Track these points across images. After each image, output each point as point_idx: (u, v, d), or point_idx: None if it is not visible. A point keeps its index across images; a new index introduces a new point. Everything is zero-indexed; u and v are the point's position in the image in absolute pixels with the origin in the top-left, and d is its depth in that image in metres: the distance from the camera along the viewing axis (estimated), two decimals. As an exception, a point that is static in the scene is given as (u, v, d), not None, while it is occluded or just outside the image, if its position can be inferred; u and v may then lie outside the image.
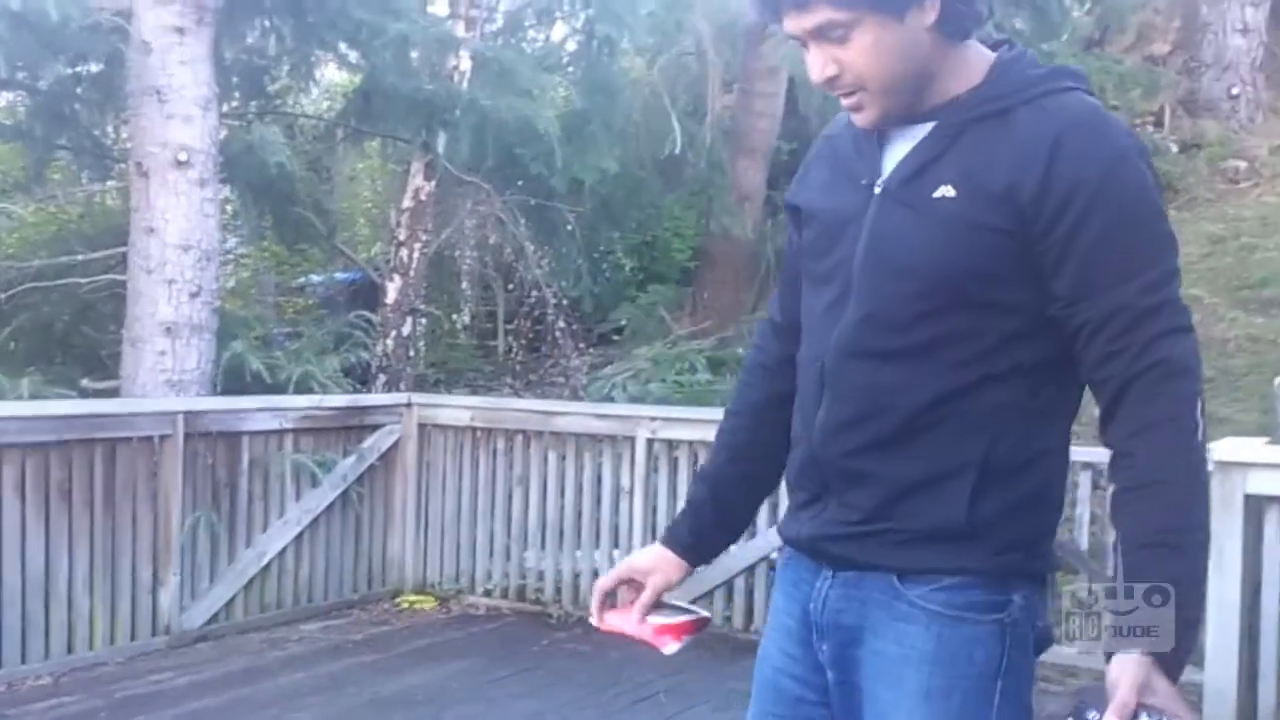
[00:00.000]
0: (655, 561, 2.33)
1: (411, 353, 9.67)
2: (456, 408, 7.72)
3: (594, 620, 2.34)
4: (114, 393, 7.38)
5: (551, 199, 10.21)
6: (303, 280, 12.81)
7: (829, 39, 1.96)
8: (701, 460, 6.73)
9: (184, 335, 7.15)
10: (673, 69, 12.40)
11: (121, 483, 6.11)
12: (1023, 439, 1.97)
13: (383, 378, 9.25)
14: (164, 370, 7.10)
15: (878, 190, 2.02)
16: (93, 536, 5.99)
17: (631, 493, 6.94)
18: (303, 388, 7.69)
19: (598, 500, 7.09)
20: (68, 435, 5.90)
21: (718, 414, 7.26)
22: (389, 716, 5.47)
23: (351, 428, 7.34)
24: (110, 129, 9.69)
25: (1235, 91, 13.40)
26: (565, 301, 10.55)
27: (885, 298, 1.99)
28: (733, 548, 5.12)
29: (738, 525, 2.41)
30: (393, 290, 9.49)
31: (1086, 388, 2.00)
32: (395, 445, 7.50)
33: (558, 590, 7.19)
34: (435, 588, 7.51)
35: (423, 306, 10.11)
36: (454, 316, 12.92)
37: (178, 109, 7.14)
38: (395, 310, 9.44)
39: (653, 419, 7.01)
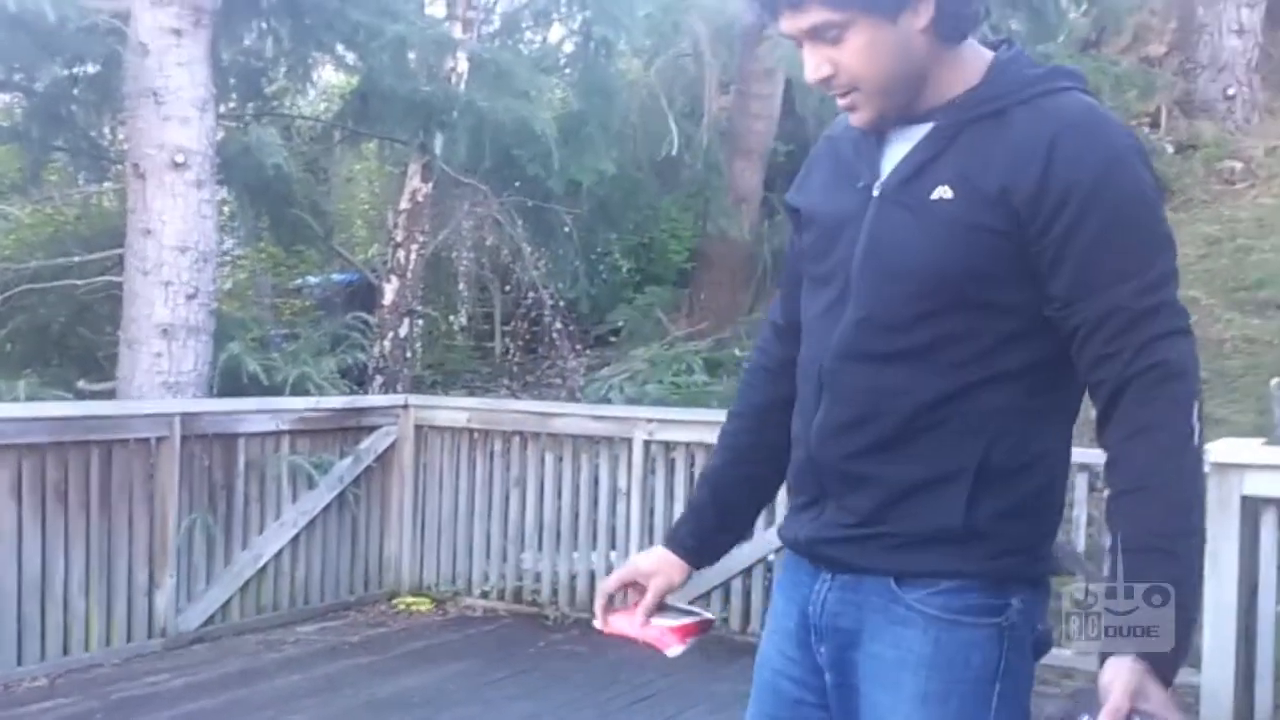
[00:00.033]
0: (658, 564, 2.33)
1: (408, 354, 9.67)
2: (453, 409, 7.72)
3: (598, 623, 2.33)
4: (110, 394, 7.37)
5: (549, 200, 10.20)
6: (300, 282, 12.81)
7: (823, 39, 1.96)
8: (698, 461, 6.75)
9: (180, 337, 7.15)
10: (670, 71, 12.41)
11: (118, 484, 6.10)
12: (1021, 441, 1.97)
13: (380, 379, 9.25)
14: (160, 372, 7.09)
15: (876, 192, 2.02)
16: (89, 538, 5.98)
17: (628, 494, 6.94)
18: (299, 389, 7.68)
19: (595, 502, 7.09)
20: (64, 437, 5.90)
21: (715, 415, 7.28)
22: (385, 718, 5.47)
23: (348, 429, 7.33)
24: (107, 130, 9.68)
25: (1231, 92, 13.41)
26: (562, 303, 10.56)
27: (883, 299, 1.99)
28: (729, 549, 5.11)
29: (740, 527, 2.40)
30: (390, 292, 9.49)
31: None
32: (392, 447, 7.50)
33: (555, 592, 7.19)
34: (432, 589, 7.51)
35: (420, 308, 10.11)
36: (451, 318, 12.92)
37: (175, 110, 7.14)
38: (392, 312, 9.44)
39: (650, 420, 7.01)
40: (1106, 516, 1.90)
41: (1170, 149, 12.55)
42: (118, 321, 7.46)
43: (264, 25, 8.75)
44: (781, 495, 2.28)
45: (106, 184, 10.05)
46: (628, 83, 11.56)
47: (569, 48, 11.79)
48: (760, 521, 6.07)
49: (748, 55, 11.85)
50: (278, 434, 6.88)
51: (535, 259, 10.41)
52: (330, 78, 12.35)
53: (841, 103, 2.02)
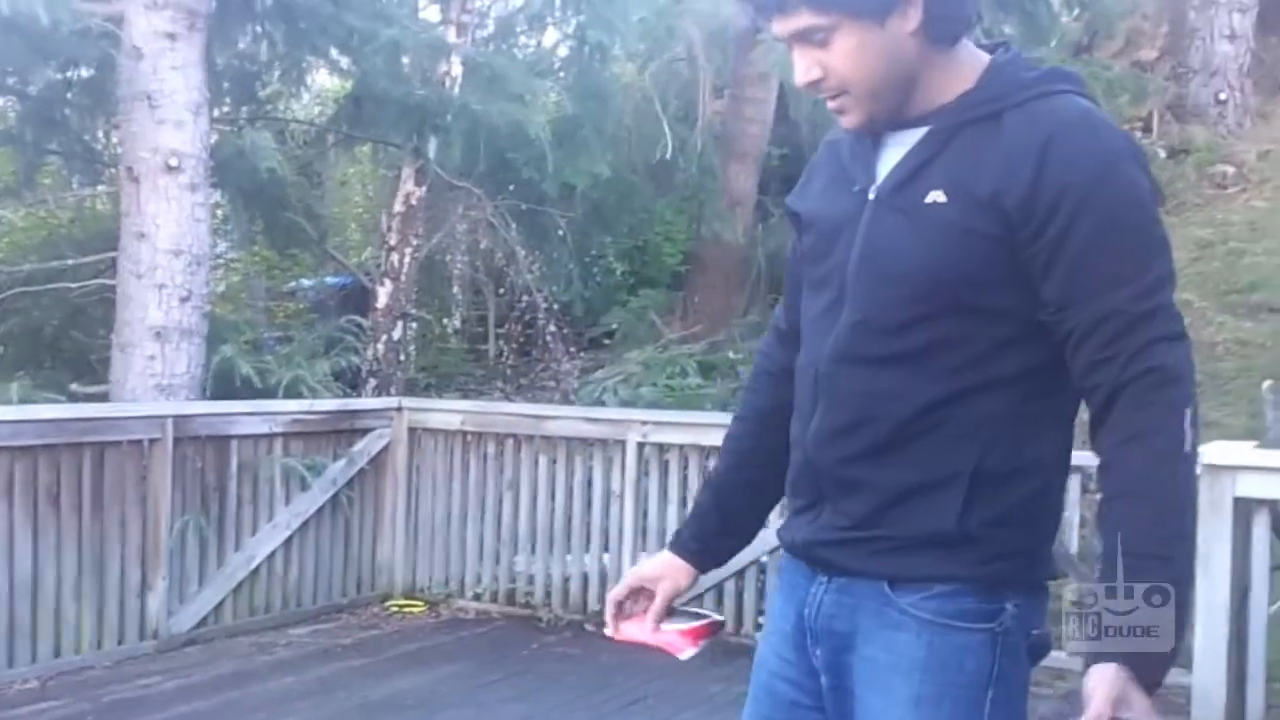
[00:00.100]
0: (663, 568, 2.34)
1: (402, 357, 9.67)
2: (447, 412, 7.72)
3: (609, 631, 2.33)
4: (103, 397, 7.36)
5: (543, 204, 10.21)
6: (293, 285, 12.81)
7: (811, 42, 1.96)
8: (692, 464, 6.76)
9: (174, 340, 7.15)
10: (664, 75, 12.39)
11: (110, 486, 6.10)
12: (1016, 447, 1.96)
13: (373, 382, 9.26)
14: (153, 375, 7.09)
15: (871, 196, 2.02)
16: (81, 540, 5.98)
17: (622, 496, 6.94)
18: (293, 392, 7.68)
19: (588, 504, 7.09)
20: (56, 439, 5.89)
21: (708, 418, 7.29)
22: (378, 720, 5.48)
23: (341, 432, 7.33)
24: (101, 134, 9.69)
25: (1223, 97, 13.43)
26: (556, 306, 10.58)
27: (878, 303, 1.99)
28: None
29: (744, 531, 2.39)
30: (383, 295, 9.50)
31: None
32: (385, 449, 7.49)
33: (548, 594, 7.18)
34: (425, 592, 7.50)
35: (413, 311, 10.12)
36: (445, 321, 12.93)
37: (169, 114, 7.14)
38: (386, 315, 9.44)
39: (643, 423, 7.01)
40: (1098, 521, 1.90)
41: (1162, 153, 12.57)
42: (111, 324, 7.46)
43: (258, 29, 8.76)
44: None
45: (100, 187, 10.06)
46: (622, 87, 11.56)
47: (563, 52, 11.78)
48: (754, 523, 6.10)
49: (741, 59, 11.86)
50: (270, 436, 6.87)
51: (529, 262, 10.42)
52: (324, 81, 12.36)
53: (831, 105, 2.03)
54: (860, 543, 2.02)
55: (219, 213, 9.88)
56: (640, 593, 2.32)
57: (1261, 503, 4.91)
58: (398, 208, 9.61)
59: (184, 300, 7.17)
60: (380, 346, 9.37)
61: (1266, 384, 7.04)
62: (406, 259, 9.57)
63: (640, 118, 11.62)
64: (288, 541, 6.96)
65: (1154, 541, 1.83)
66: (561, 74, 11.47)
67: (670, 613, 2.31)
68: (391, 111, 9.02)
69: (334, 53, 9.22)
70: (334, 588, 7.29)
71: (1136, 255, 1.88)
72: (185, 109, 7.18)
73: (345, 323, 9.19)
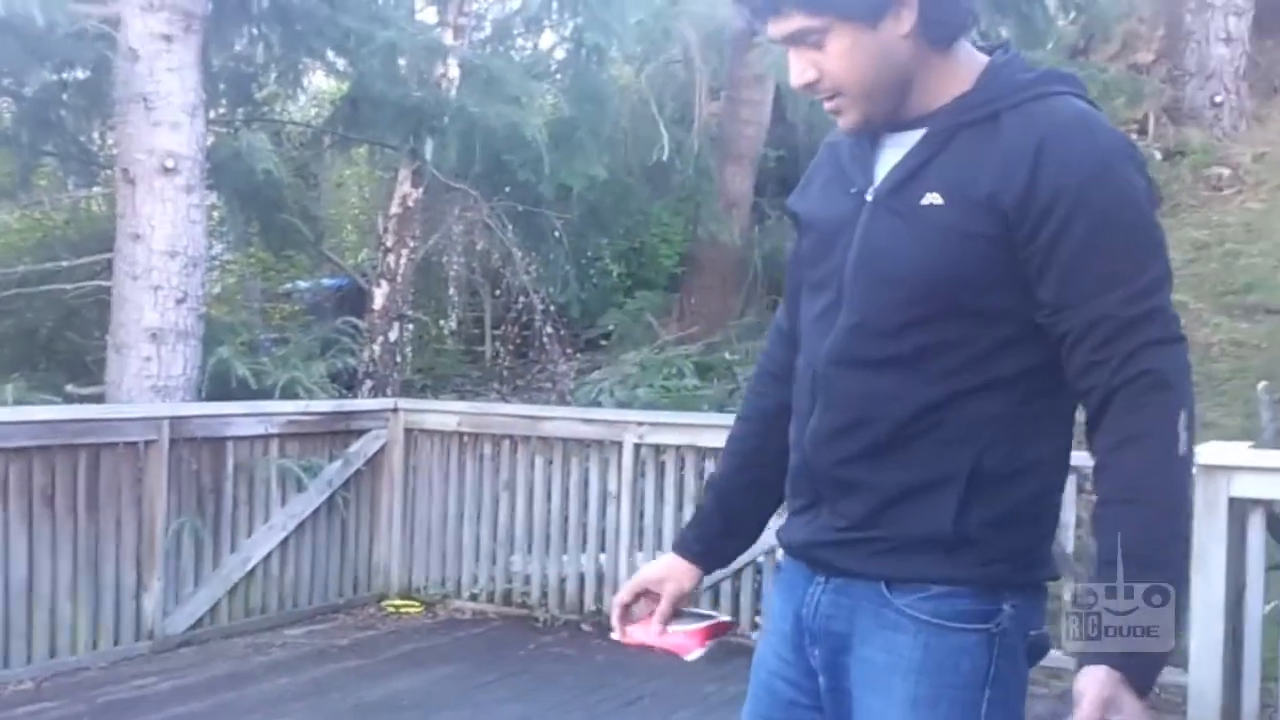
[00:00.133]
0: (668, 570, 2.33)
1: (398, 358, 9.67)
2: (443, 413, 7.72)
3: (616, 635, 2.33)
4: (99, 398, 7.37)
5: (539, 205, 10.22)
6: (289, 286, 12.81)
7: (806, 44, 1.97)
8: (689, 465, 6.76)
9: (169, 341, 7.14)
10: (660, 77, 12.42)
11: (106, 488, 6.09)
12: (1013, 448, 1.96)
13: (369, 383, 9.26)
14: (149, 376, 7.09)
15: (869, 198, 2.02)
16: (76, 541, 5.97)
17: (619, 497, 6.95)
18: (289, 393, 7.67)
19: (585, 505, 7.09)
20: (52, 440, 5.88)
21: (705, 419, 7.29)
22: (374, 721, 5.48)
23: (338, 433, 7.32)
24: (96, 135, 9.68)
25: (1219, 99, 13.44)
26: (553, 307, 10.58)
27: (875, 306, 1.99)
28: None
29: (747, 532, 2.38)
30: (380, 296, 9.50)
31: None
32: (382, 450, 7.49)
33: (544, 594, 7.18)
34: (421, 592, 7.50)
35: (410, 312, 10.12)
36: (441, 322, 12.94)
37: (165, 116, 7.13)
38: (382, 316, 9.44)
39: (640, 424, 7.01)
40: (1092, 524, 1.89)
41: (1158, 155, 12.57)
42: (106, 326, 7.45)
43: (254, 31, 8.76)
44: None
45: (96, 189, 10.07)
46: (618, 89, 11.58)
47: (560, 54, 11.81)
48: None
49: (738, 61, 11.86)
50: (266, 437, 6.87)
51: (525, 264, 10.42)
52: (320, 83, 12.35)
53: (827, 106, 2.03)
54: (857, 544, 2.02)
55: (215, 214, 9.88)
56: (645, 595, 2.32)
57: (1257, 503, 4.91)
58: (394, 209, 9.62)
59: (180, 302, 7.17)
60: (376, 348, 9.37)
61: (1261, 385, 7.07)
62: (403, 260, 9.57)
63: (636, 119, 11.64)
64: (284, 543, 6.96)
65: (1147, 545, 1.83)
66: (558, 76, 11.49)
67: (676, 615, 2.31)
68: (388, 113, 9.02)
69: (330, 54, 9.22)
70: (330, 589, 7.29)
71: (1132, 256, 1.88)
72: (181, 110, 7.17)
73: (341, 324, 9.19)
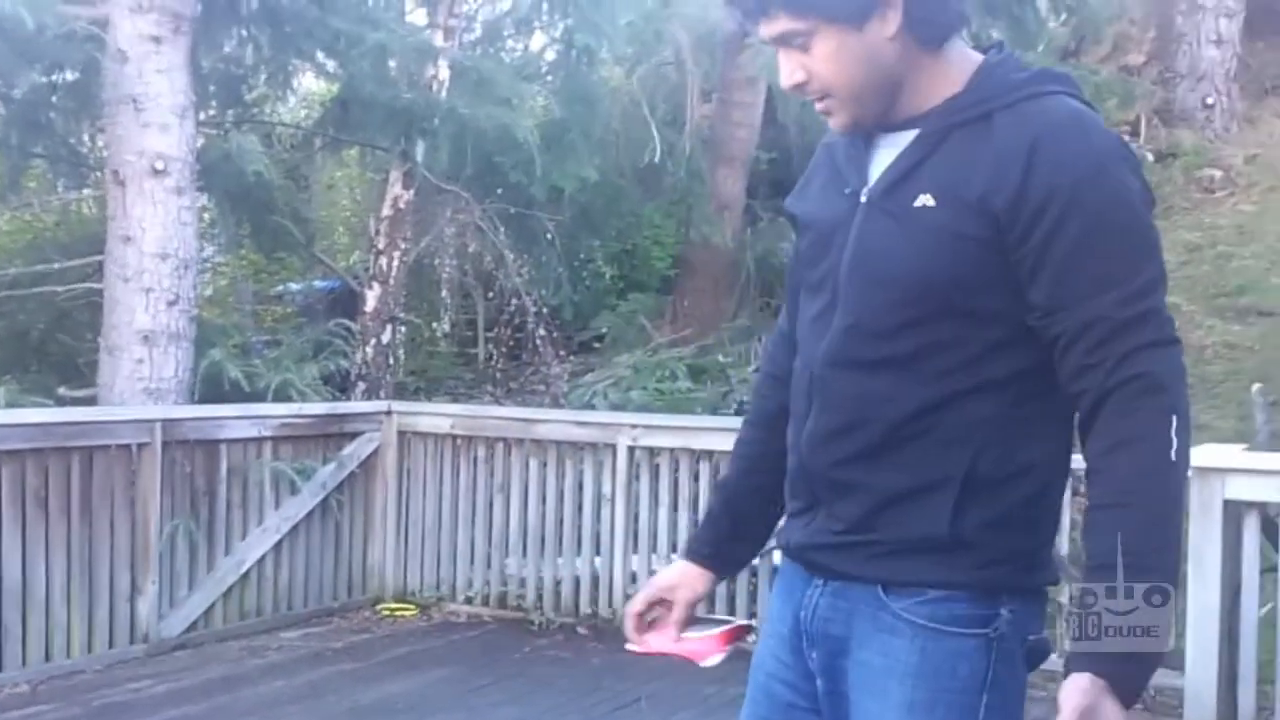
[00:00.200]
0: (679, 576, 2.33)
1: (391, 361, 9.66)
2: (436, 415, 7.71)
3: (633, 645, 2.32)
4: (91, 401, 7.34)
5: (531, 207, 10.21)
6: (281, 288, 12.79)
7: (793, 46, 1.97)
8: (683, 467, 6.76)
9: (161, 343, 7.12)
10: (652, 78, 12.42)
11: (99, 491, 6.07)
12: (1009, 450, 1.95)
13: (362, 386, 9.24)
14: (141, 378, 7.07)
15: (863, 199, 2.02)
16: (70, 544, 5.95)
17: (613, 500, 6.93)
18: (281, 396, 7.66)
19: (579, 507, 7.08)
20: (44, 443, 5.87)
21: (698, 421, 7.28)
22: (369, 725, 5.46)
23: (331, 435, 7.31)
24: (86, 137, 9.64)
25: (1210, 101, 13.48)
26: (545, 309, 10.56)
27: (869, 307, 1.98)
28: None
29: (755, 535, 2.37)
30: (372, 298, 9.48)
31: None
32: (375, 453, 7.48)
33: (539, 597, 7.17)
34: (416, 595, 7.49)
35: (402, 315, 10.11)
36: (434, 324, 12.92)
37: (154, 117, 7.12)
38: (375, 318, 9.42)
39: (633, 426, 7.01)
40: (1084, 528, 1.88)
41: (1150, 158, 12.61)
42: (98, 328, 7.44)
43: (244, 32, 8.73)
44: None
45: (86, 191, 10.02)
46: (610, 90, 11.56)
47: (551, 55, 11.80)
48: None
49: (729, 63, 11.87)
50: (260, 440, 6.85)
51: (518, 266, 10.41)
52: (311, 85, 12.34)
53: (818, 107, 2.03)
54: (854, 547, 2.01)
55: (206, 216, 9.85)
56: (659, 603, 2.31)
57: (1251, 505, 4.93)
58: (386, 211, 9.60)
59: (171, 304, 7.15)
60: (369, 350, 9.35)
61: (1255, 387, 7.09)
62: (395, 262, 9.56)
63: (628, 121, 11.63)
64: (278, 545, 6.95)
65: (1138, 550, 1.81)
66: (549, 77, 11.48)
67: (692, 621, 2.30)
68: (378, 115, 9.00)
69: (320, 56, 9.20)
70: (324, 591, 7.27)
71: (1125, 258, 1.87)
72: (171, 112, 7.15)
73: (334, 326, 9.17)
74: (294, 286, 12.68)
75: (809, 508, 2.09)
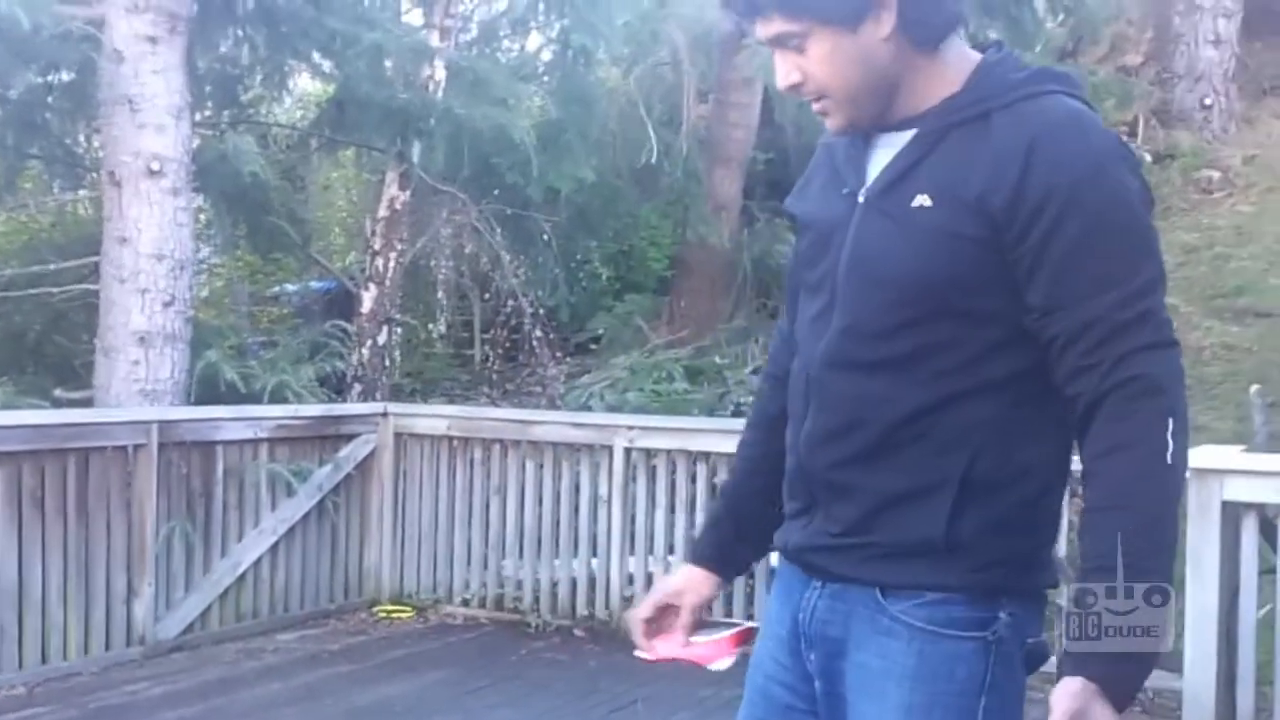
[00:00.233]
0: (685, 581, 2.32)
1: (387, 362, 9.64)
2: (433, 417, 7.70)
3: (642, 653, 2.31)
4: (87, 402, 7.33)
5: (527, 208, 10.20)
6: (277, 289, 12.78)
7: (789, 47, 1.97)
8: (679, 469, 6.76)
9: (157, 345, 7.11)
10: (648, 79, 12.39)
11: (95, 492, 6.06)
12: (1007, 452, 1.94)
13: (358, 387, 9.22)
14: (137, 380, 7.05)
15: (861, 199, 2.01)
16: (66, 546, 5.94)
17: (609, 501, 6.92)
18: (277, 397, 7.65)
19: (575, 509, 7.07)
20: (40, 445, 5.86)
21: (695, 423, 7.28)
22: (366, 727, 5.45)
23: (327, 437, 7.30)
24: (82, 138, 9.64)
25: (1208, 102, 13.48)
26: (542, 311, 10.55)
27: (867, 308, 1.97)
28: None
29: (760, 538, 2.33)
30: (368, 299, 9.46)
31: None
32: (371, 455, 7.46)
33: (536, 599, 7.16)
34: (412, 597, 7.47)
35: (398, 316, 10.09)
36: (430, 326, 12.91)
37: (150, 118, 7.10)
38: (371, 320, 9.41)
39: (630, 428, 7.00)
40: (1079, 531, 1.87)
41: (1148, 158, 12.60)
42: (94, 329, 7.42)
43: (240, 33, 8.72)
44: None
45: (82, 191, 10.02)
46: (606, 91, 11.55)
47: (547, 56, 11.79)
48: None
49: (726, 64, 11.85)
50: (256, 442, 6.84)
51: (514, 267, 10.41)
52: (307, 85, 12.32)
53: (815, 108, 2.03)
54: (852, 549, 2.00)
55: (201, 217, 9.84)
56: (666, 610, 2.30)
57: (1250, 506, 4.91)
58: (382, 212, 9.58)
59: (167, 305, 7.14)
60: (365, 351, 9.33)
61: (1254, 388, 7.09)
62: (391, 263, 9.54)
63: (625, 122, 11.61)
64: (274, 547, 6.93)
65: (1132, 553, 1.80)
66: (545, 78, 11.46)
67: (700, 625, 2.29)
68: (374, 115, 8.99)
69: (316, 56, 9.19)
70: (321, 594, 7.26)
71: (1124, 258, 1.86)
72: (167, 113, 7.14)
73: (330, 328, 9.15)
74: (290, 287, 12.67)
75: (807, 509, 2.08)
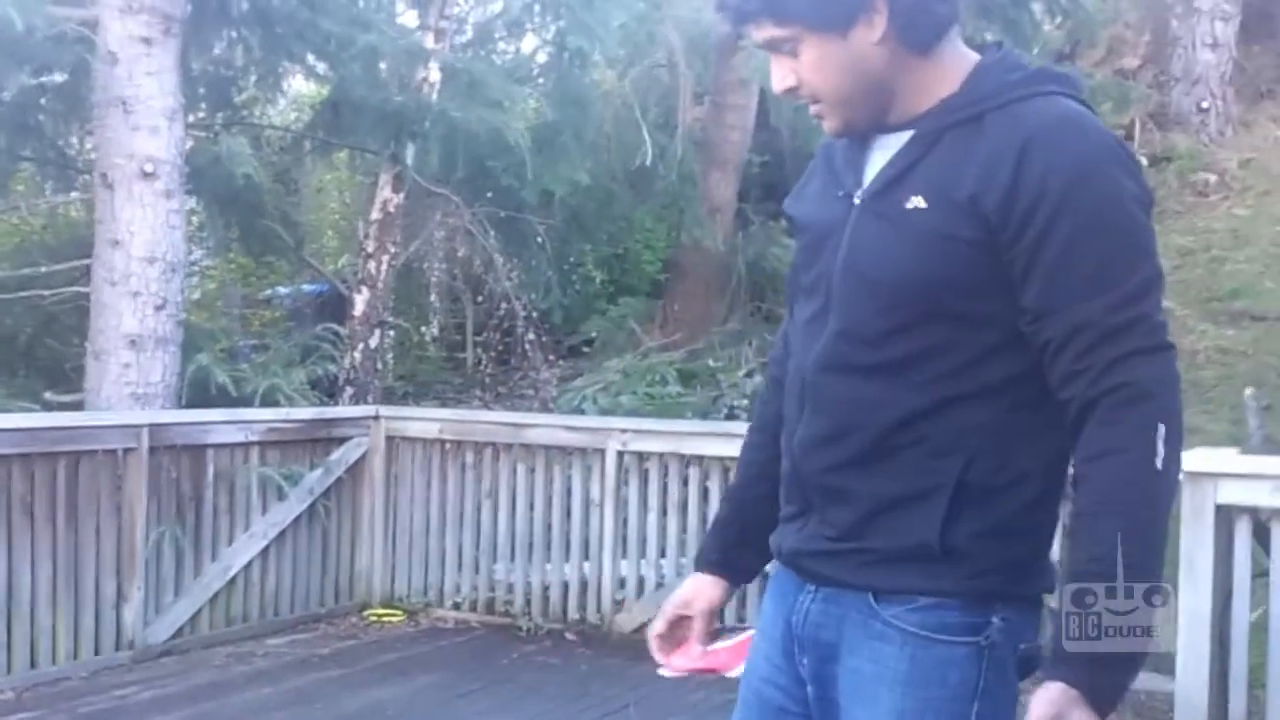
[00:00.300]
0: (694, 590, 2.32)
1: (379, 365, 9.62)
2: (425, 420, 7.67)
3: (664, 671, 2.32)
4: (78, 405, 7.31)
5: (521, 211, 10.19)
6: (269, 292, 12.75)
7: (782, 52, 1.97)
8: (672, 472, 6.75)
9: (149, 348, 7.09)
10: (644, 81, 12.38)
11: (85, 496, 6.04)
12: (1003, 458, 1.93)
13: (350, 390, 9.20)
14: (128, 383, 7.04)
15: (856, 201, 2.00)
16: (55, 550, 5.92)
17: (602, 505, 6.91)
18: (269, 400, 7.64)
19: (568, 512, 7.06)
20: (30, 448, 5.83)
21: (688, 426, 7.27)
22: (356, 731, 5.44)
23: (319, 440, 7.28)
24: (75, 140, 9.62)
25: (1205, 105, 13.48)
26: (535, 314, 10.54)
27: (861, 311, 1.97)
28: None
29: (765, 542, 2.30)
30: (361, 302, 9.44)
31: None
32: (363, 458, 7.45)
33: (527, 603, 7.14)
34: (404, 601, 7.46)
35: (391, 319, 10.07)
36: (423, 329, 12.88)
37: (144, 120, 7.08)
38: (363, 322, 9.39)
39: (623, 431, 6.98)
40: (1069, 536, 1.87)
41: (1145, 161, 12.59)
42: (85, 332, 7.40)
43: (234, 34, 8.72)
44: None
45: (74, 194, 9.98)
46: (602, 93, 11.55)
47: (542, 58, 11.78)
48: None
49: (722, 66, 11.84)
50: (247, 445, 6.82)
51: (508, 269, 10.38)
52: (301, 87, 12.32)
53: (811, 111, 2.02)
54: (846, 554, 2.00)
55: (194, 219, 9.82)
56: (679, 622, 2.31)
57: (1243, 509, 4.91)
58: (375, 215, 9.56)
59: (159, 308, 7.12)
60: (357, 354, 9.31)
61: (1248, 391, 7.07)
62: (384, 266, 9.52)
63: (620, 124, 11.60)
64: (264, 551, 6.92)
65: (1114, 562, 1.79)
66: (540, 80, 11.46)
67: (715, 634, 2.30)
68: (369, 118, 8.98)
69: (311, 58, 9.19)
70: (311, 597, 7.24)
71: (1117, 260, 1.84)
72: (160, 115, 7.12)
73: (322, 330, 9.14)
74: (282, 290, 12.65)
75: (802, 513, 2.07)
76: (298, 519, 7.06)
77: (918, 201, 1.92)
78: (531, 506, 7.14)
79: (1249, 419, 7.15)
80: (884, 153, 2.00)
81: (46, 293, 8.42)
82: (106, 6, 7.03)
